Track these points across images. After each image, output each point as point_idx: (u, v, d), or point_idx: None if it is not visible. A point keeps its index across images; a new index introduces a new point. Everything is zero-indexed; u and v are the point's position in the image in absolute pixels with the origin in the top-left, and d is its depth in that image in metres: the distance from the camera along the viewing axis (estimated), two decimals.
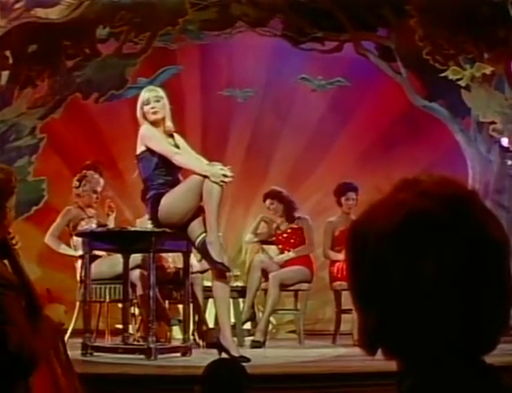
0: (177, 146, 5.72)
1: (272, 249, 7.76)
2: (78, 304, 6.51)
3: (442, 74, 8.49)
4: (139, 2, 8.68)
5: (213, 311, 6.53)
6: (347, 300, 6.94)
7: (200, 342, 6.71)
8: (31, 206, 8.72)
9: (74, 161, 8.10)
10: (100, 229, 6.48)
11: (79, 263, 6.49)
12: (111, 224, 6.79)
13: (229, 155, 9.09)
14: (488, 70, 8.43)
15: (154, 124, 5.69)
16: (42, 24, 8.41)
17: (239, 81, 9.59)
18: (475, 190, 1.17)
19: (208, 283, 6.44)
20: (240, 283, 7.54)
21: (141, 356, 5.50)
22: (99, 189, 6.95)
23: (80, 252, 6.28)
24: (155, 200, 5.55)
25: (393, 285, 1.09)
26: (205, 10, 8.82)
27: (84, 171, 6.97)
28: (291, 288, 7.34)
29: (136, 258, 6.12)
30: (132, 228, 6.24)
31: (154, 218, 5.58)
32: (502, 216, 7.82)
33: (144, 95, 5.79)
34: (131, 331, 6.55)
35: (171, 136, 5.76)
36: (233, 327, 6.22)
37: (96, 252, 6.36)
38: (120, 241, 5.88)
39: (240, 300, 7.19)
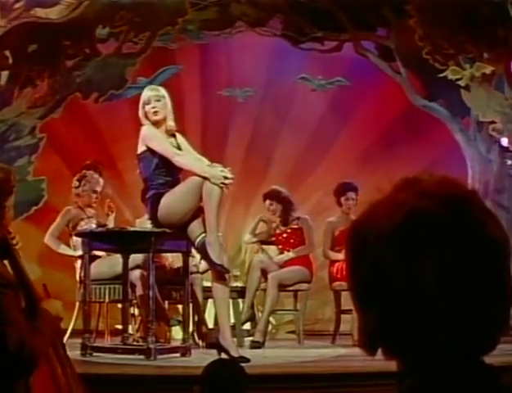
0: (178, 146, 5.70)
1: (272, 249, 7.75)
2: (77, 304, 6.51)
3: (442, 74, 8.49)
4: (139, 2, 8.68)
5: (212, 311, 6.54)
6: (346, 300, 6.94)
7: (200, 342, 6.72)
8: (31, 206, 8.71)
9: (74, 161, 8.10)
10: (99, 229, 6.47)
11: (79, 263, 6.48)
12: (111, 224, 6.79)
13: (229, 154, 9.10)
14: (488, 69, 8.43)
15: (156, 123, 5.68)
16: (42, 24, 8.41)
17: (239, 81, 9.60)
18: (475, 190, 1.17)
19: (207, 284, 6.44)
20: (239, 283, 7.54)
21: (141, 356, 5.50)
22: (98, 189, 6.95)
23: (80, 252, 6.28)
24: (155, 200, 5.54)
25: (393, 285, 1.09)
26: (205, 10, 8.82)
27: (84, 171, 6.96)
28: (291, 288, 7.33)
29: (135, 258, 6.12)
30: (132, 228, 6.24)
31: (153, 218, 5.57)
32: (502, 216, 7.81)
33: (145, 94, 5.77)
34: (130, 331, 6.55)
35: (173, 135, 5.74)
36: (233, 327, 6.22)
37: (96, 252, 6.37)
38: (120, 241, 5.88)
39: (240, 300, 7.19)
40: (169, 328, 6.88)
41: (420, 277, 1.08)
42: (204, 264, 6.68)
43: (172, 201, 5.48)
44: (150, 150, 5.60)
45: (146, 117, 5.68)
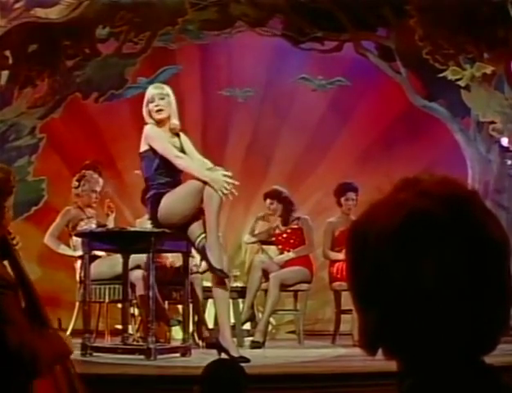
0: (181, 147, 5.65)
1: (272, 249, 7.75)
2: (77, 304, 6.52)
3: (442, 74, 8.49)
4: (139, 2, 8.68)
5: (212, 311, 6.53)
6: (346, 300, 6.94)
7: (200, 342, 6.72)
8: (31, 206, 8.72)
9: (74, 161, 8.09)
10: (99, 229, 6.47)
11: (79, 263, 6.48)
12: (111, 224, 6.79)
13: (229, 154, 9.10)
14: (488, 69, 8.43)
15: (160, 122, 5.61)
16: (42, 23, 8.41)
17: (239, 81, 9.60)
18: (475, 190, 1.17)
19: (207, 284, 6.44)
20: (239, 284, 7.54)
21: (141, 356, 5.49)
22: (98, 189, 6.94)
23: (80, 252, 6.27)
24: (155, 200, 5.52)
25: (393, 285, 1.09)
26: (205, 10, 8.82)
27: (83, 171, 6.96)
28: (291, 288, 7.33)
29: (135, 258, 6.11)
30: (132, 229, 6.23)
31: (153, 218, 5.56)
32: (502, 216, 7.82)
33: (149, 92, 5.70)
34: (130, 331, 6.54)
35: (176, 135, 5.68)
36: (233, 327, 6.21)
37: (96, 252, 6.36)
38: (120, 241, 5.87)
39: (240, 300, 7.18)
40: (169, 328, 6.87)
41: (420, 277, 1.08)
42: (204, 265, 6.67)
43: (173, 202, 5.46)
44: (152, 149, 5.54)
45: (150, 115, 5.61)
